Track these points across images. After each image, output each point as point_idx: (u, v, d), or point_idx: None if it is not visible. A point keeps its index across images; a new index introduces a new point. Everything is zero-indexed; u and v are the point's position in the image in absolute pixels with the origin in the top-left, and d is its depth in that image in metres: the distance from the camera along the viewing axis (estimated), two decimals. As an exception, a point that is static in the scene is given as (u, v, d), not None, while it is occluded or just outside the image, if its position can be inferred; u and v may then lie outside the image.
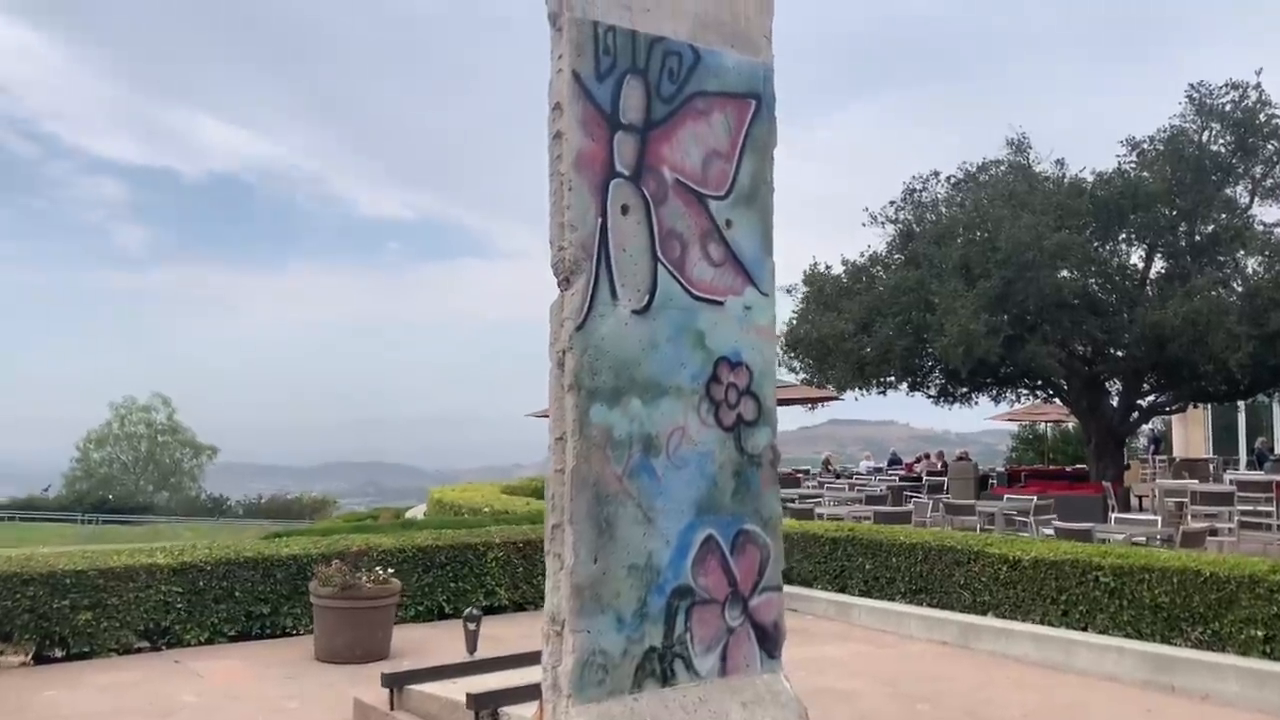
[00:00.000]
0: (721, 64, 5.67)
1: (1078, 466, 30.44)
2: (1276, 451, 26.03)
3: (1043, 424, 39.56)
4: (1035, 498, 15.57)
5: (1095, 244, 20.10)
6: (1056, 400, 26.96)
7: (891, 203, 22.95)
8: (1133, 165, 20.37)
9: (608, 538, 5.03)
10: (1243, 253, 20.32)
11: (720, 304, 5.54)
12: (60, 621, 7.91)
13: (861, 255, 23.68)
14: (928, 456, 28.96)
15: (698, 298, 5.45)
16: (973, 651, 8.79)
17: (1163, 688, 7.56)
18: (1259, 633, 7.48)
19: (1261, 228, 19.41)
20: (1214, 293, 19.23)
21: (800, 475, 26.74)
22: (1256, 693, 7.12)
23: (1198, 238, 20.10)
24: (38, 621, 7.83)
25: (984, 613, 9.21)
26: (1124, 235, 20.61)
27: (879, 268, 23.33)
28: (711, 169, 5.58)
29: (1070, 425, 39.10)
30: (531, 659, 6.68)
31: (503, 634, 9.01)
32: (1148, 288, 20.14)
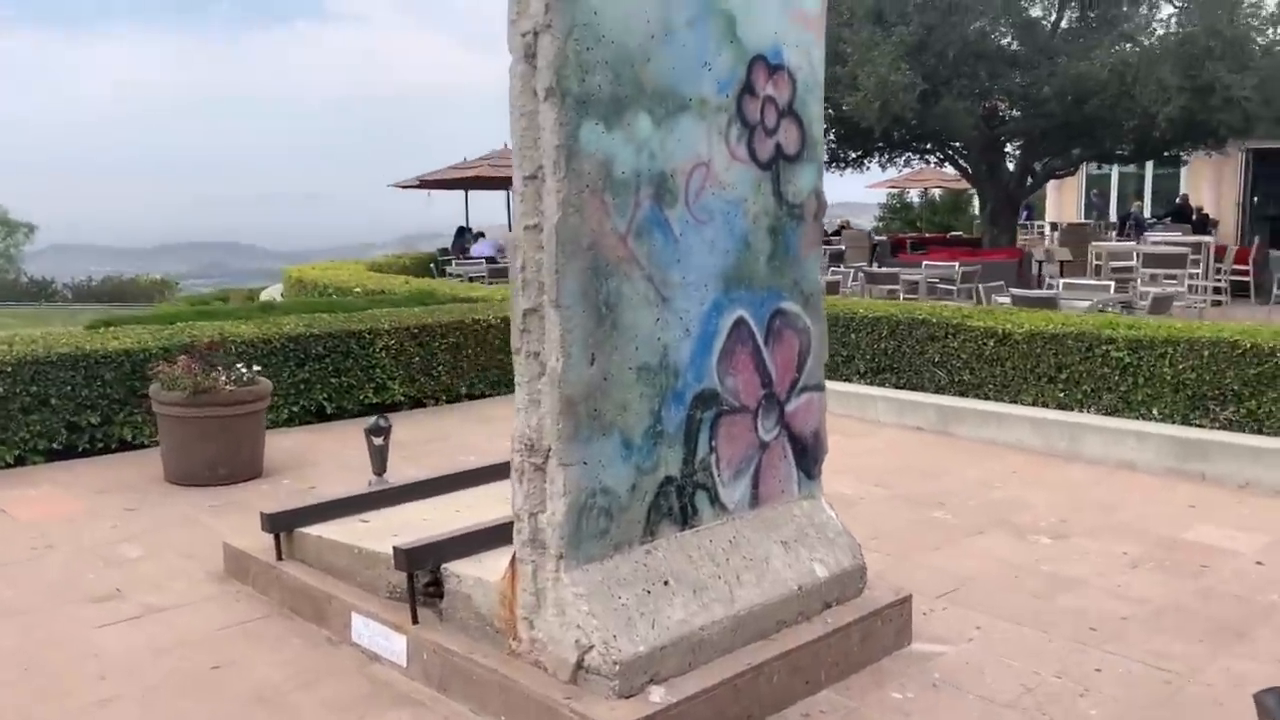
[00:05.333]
0: None
1: (953, 234, 29.99)
2: (1147, 216, 25.71)
3: (910, 192, 38.97)
4: (958, 264, 14.54)
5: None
6: (946, 166, 25.99)
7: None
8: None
9: (609, 327, 3.34)
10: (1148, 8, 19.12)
11: (756, -27, 3.69)
12: None
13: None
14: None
15: (726, -41, 3.59)
16: (955, 439, 7.64)
17: (1191, 476, 6.55)
18: (1302, 412, 6.48)
19: None
20: (1145, 41, 18.04)
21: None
22: (1308, 481, 6.16)
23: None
24: None
25: (963, 394, 8.04)
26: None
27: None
28: None
29: (937, 193, 38.64)
30: (466, 480, 5.10)
31: (405, 438, 7.36)
32: (1057, 39, 18.76)
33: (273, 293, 18.79)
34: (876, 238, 28.28)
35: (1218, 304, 14.95)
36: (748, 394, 3.84)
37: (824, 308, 4.18)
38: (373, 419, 5.28)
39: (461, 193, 24.33)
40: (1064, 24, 19.29)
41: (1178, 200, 24.47)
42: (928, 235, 31.58)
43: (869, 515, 5.80)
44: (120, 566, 4.93)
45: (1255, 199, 24.22)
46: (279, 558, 4.55)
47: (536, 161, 3.25)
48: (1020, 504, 6.04)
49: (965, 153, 22.04)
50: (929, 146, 22.49)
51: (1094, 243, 16.13)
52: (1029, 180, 22.07)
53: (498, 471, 5.25)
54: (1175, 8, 19.20)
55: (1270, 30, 16.80)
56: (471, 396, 8.97)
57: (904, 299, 13.58)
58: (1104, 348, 7.26)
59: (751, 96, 3.73)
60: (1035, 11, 19.41)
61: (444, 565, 3.86)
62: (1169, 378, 6.97)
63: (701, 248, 3.62)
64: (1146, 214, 25.51)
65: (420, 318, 8.72)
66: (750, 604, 3.63)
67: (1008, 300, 10.20)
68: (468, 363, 8.89)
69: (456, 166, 22.20)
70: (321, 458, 7.01)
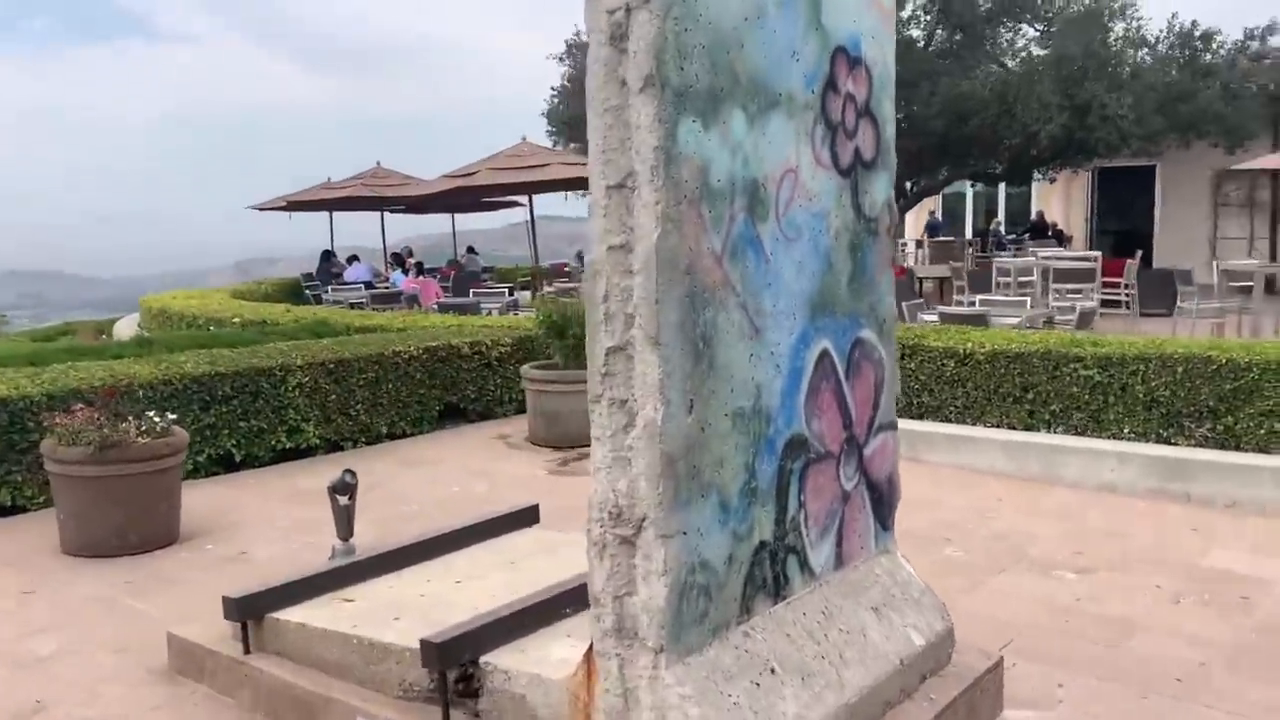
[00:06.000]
0: None
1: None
2: (1003, 233, 26.54)
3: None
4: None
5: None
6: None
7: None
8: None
9: (706, 367, 2.77)
10: (1023, 25, 19.69)
11: (836, -50, 3.20)
12: None
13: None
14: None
15: (810, -69, 3.09)
16: (925, 465, 7.30)
17: (1176, 497, 6.37)
18: (1279, 425, 6.38)
19: None
20: (1009, 64, 18.49)
21: (570, 267, 24.81)
22: (1299, 498, 6.03)
23: (983, 7, 19.13)
24: None
25: (921, 418, 7.73)
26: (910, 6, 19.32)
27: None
28: None
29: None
30: (449, 543, 4.40)
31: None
32: (934, 60, 19.09)
33: (127, 325, 17.27)
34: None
35: (1101, 316, 15.34)
36: (832, 438, 3.32)
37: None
38: (339, 474, 4.49)
39: (325, 214, 23.18)
40: (933, 45, 19.66)
41: (1034, 217, 25.38)
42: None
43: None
44: (35, 668, 4.02)
45: (1099, 215, 25.32)
46: (247, 650, 3.75)
47: (625, 167, 2.65)
48: (1025, 535, 5.71)
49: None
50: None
51: (997, 260, 16.30)
52: (901, 200, 22.42)
53: (482, 531, 4.59)
54: (1038, 31, 19.83)
55: (1136, 52, 17.47)
56: (392, 436, 8.17)
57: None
58: (1072, 366, 7.06)
59: (834, 93, 3.22)
60: (914, 33, 19.73)
61: (482, 658, 3.18)
62: (1141, 395, 6.80)
63: (790, 269, 3.08)
64: (1004, 230, 26.33)
65: (335, 351, 7.88)
66: (859, 687, 3.09)
67: (935, 318, 10.02)
68: (387, 399, 8.09)
69: (325, 186, 21.04)
70: (243, 515, 6.13)
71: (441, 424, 8.61)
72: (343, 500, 4.47)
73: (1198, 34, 17.01)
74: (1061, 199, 25.38)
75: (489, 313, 13.81)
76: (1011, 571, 5.16)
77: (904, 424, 7.49)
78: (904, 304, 11.36)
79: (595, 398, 2.77)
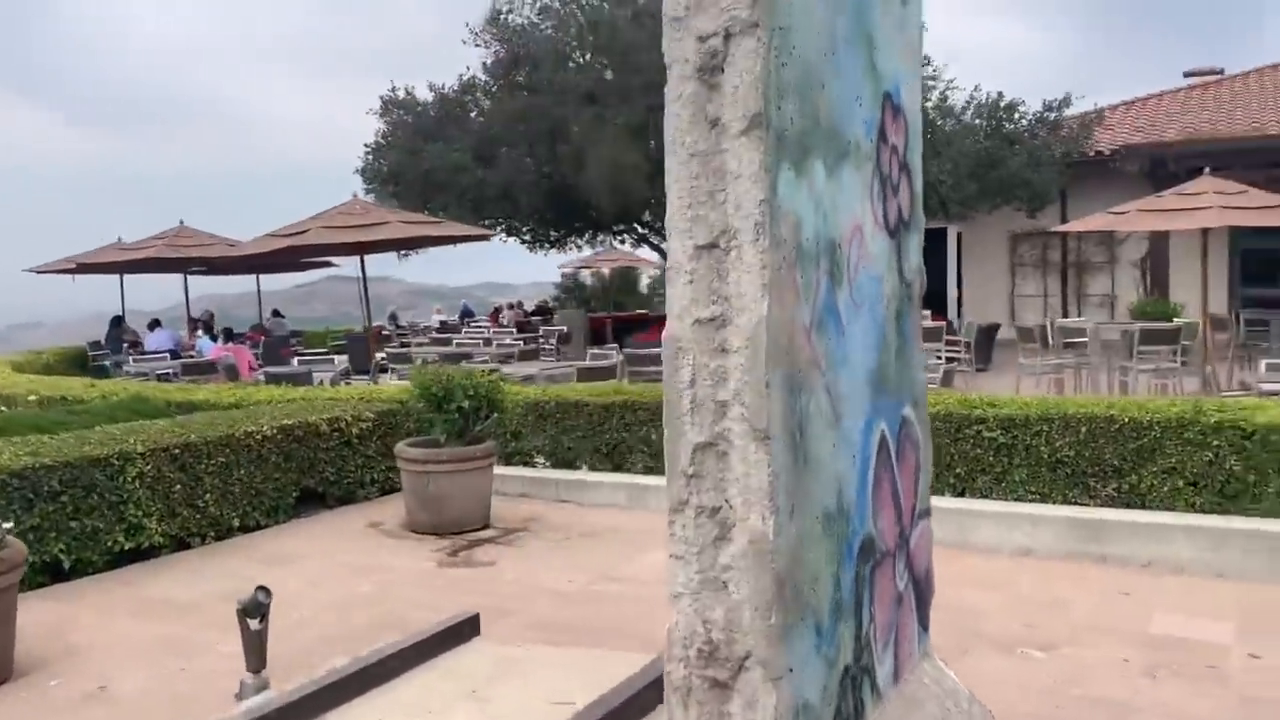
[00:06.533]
0: None
1: (639, 311, 30.34)
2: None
3: (584, 273, 39.24)
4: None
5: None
6: (643, 248, 26.37)
7: (472, 30, 19.91)
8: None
9: (802, 463, 2.31)
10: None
11: (880, -17, 2.86)
12: None
13: (460, 79, 20.69)
14: (511, 306, 27.18)
15: (862, -40, 2.74)
16: (832, 536, 7.01)
17: (1093, 558, 6.31)
18: (1181, 483, 6.46)
19: None
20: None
21: (386, 330, 23.75)
22: (1213, 555, 6.07)
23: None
24: None
25: (821, 485, 7.46)
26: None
27: (479, 93, 20.58)
28: None
29: (606, 272, 39.47)
30: (387, 670, 3.72)
31: (193, 597, 5.68)
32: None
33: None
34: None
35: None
36: (890, 533, 2.91)
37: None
38: (251, 592, 3.71)
39: (115, 278, 21.35)
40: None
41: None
42: (623, 315, 31.73)
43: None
44: None
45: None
46: (159, 835, 2.96)
47: (718, 224, 2.18)
48: (971, 610, 5.47)
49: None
50: (622, 228, 22.59)
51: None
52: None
53: (422, 650, 3.93)
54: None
55: (945, 122, 18.34)
56: (245, 529, 7.22)
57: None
58: (975, 428, 6.97)
59: (885, 144, 2.86)
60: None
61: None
62: (1046, 456, 6.77)
63: (857, 341, 2.67)
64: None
65: (179, 434, 6.90)
66: (953, 827, 2.66)
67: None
68: (240, 487, 7.16)
69: (117, 247, 19.32)
70: (88, 638, 5.15)
71: (298, 512, 7.71)
72: (254, 625, 3.70)
73: (1003, 104, 18.04)
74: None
75: (321, 383, 12.83)
76: (976, 652, 4.89)
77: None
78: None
79: (678, 504, 2.25)
